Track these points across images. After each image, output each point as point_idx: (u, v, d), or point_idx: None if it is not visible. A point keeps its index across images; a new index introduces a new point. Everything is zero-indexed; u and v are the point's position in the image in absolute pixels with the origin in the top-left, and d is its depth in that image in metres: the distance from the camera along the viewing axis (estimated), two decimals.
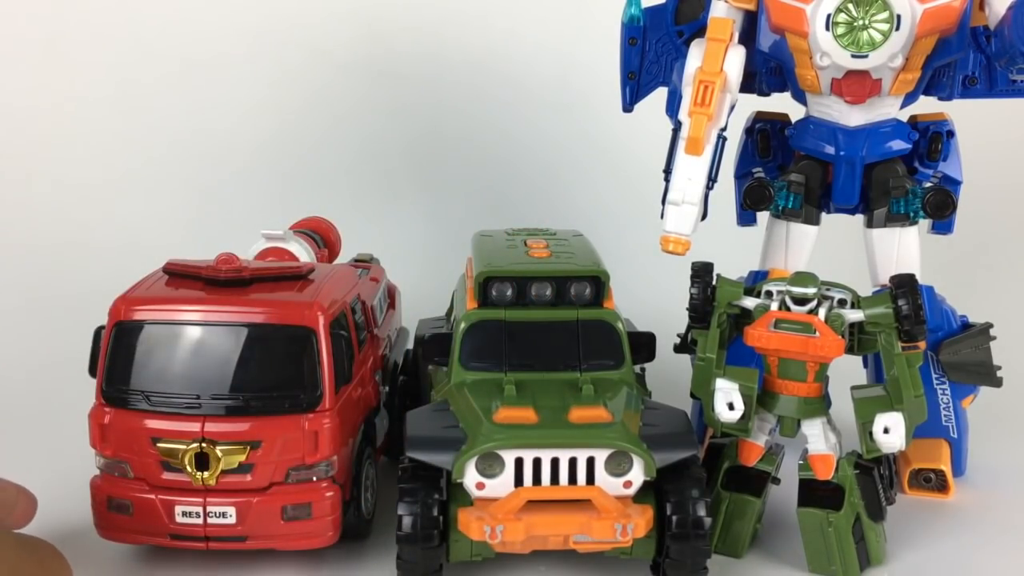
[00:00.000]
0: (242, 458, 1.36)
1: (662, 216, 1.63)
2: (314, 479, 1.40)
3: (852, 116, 1.63)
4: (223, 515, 1.37)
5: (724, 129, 1.63)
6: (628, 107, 1.80)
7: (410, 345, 1.94)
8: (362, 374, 1.56)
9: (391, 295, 1.95)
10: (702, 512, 1.33)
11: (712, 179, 1.62)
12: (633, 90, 1.78)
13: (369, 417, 1.59)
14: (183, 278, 1.48)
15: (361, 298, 1.63)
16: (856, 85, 1.58)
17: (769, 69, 1.71)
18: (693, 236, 1.61)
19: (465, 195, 2.85)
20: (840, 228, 1.79)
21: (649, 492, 1.36)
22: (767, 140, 1.77)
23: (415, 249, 2.67)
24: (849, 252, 1.79)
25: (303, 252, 1.77)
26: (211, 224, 2.73)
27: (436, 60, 2.83)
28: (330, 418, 1.40)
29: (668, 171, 1.65)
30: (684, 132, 1.60)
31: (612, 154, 2.78)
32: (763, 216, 1.77)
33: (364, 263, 1.90)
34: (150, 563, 1.49)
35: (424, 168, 2.86)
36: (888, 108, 1.63)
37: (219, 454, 1.36)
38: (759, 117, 1.79)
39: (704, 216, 1.65)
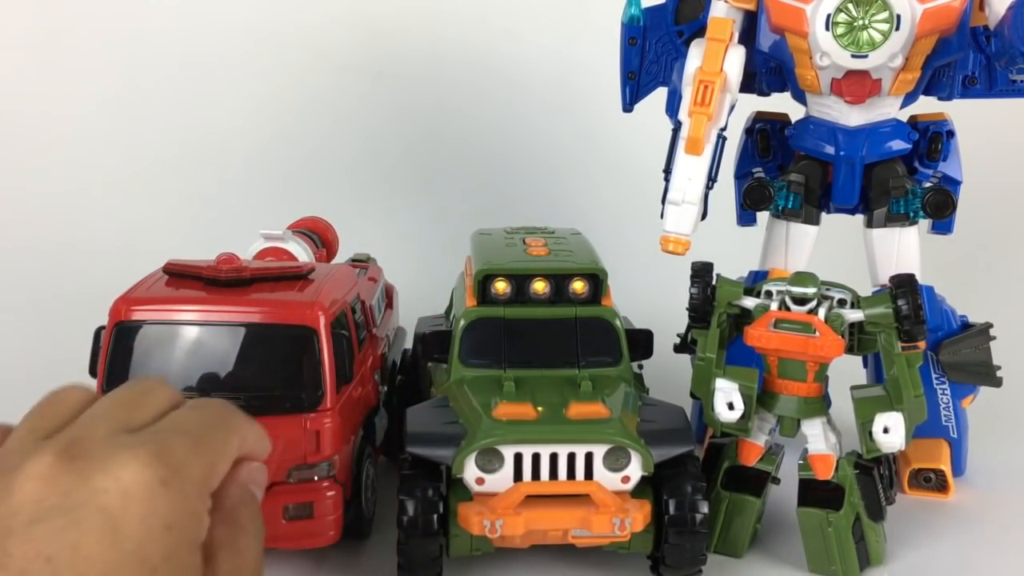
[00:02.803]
0: None
1: (662, 216, 1.63)
2: (316, 478, 1.39)
3: (852, 116, 1.63)
4: None
5: (724, 129, 1.63)
6: (628, 107, 1.80)
7: (410, 344, 1.94)
8: (362, 373, 1.56)
9: (388, 295, 1.93)
10: (699, 507, 1.34)
11: (712, 179, 1.62)
12: (633, 90, 1.78)
13: (369, 416, 1.59)
14: (183, 278, 1.48)
15: (361, 297, 1.63)
16: (856, 85, 1.58)
17: (769, 69, 1.71)
18: (693, 236, 1.61)
19: (464, 195, 2.85)
20: (840, 228, 1.79)
21: (647, 487, 1.37)
22: (767, 140, 1.77)
23: (414, 248, 2.67)
24: (849, 252, 1.79)
25: (302, 252, 1.77)
26: (211, 225, 2.73)
27: (435, 60, 2.83)
28: (331, 418, 1.39)
29: (668, 171, 1.65)
30: (684, 132, 1.60)
31: (612, 154, 2.78)
32: (763, 216, 1.77)
33: (361, 263, 1.90)
34: None
35: (423, 168, 2.86)
36: (888, 108, 1.63)
37: None
38: (759, 117, 1.79)
39: (704, 216, 1.65)
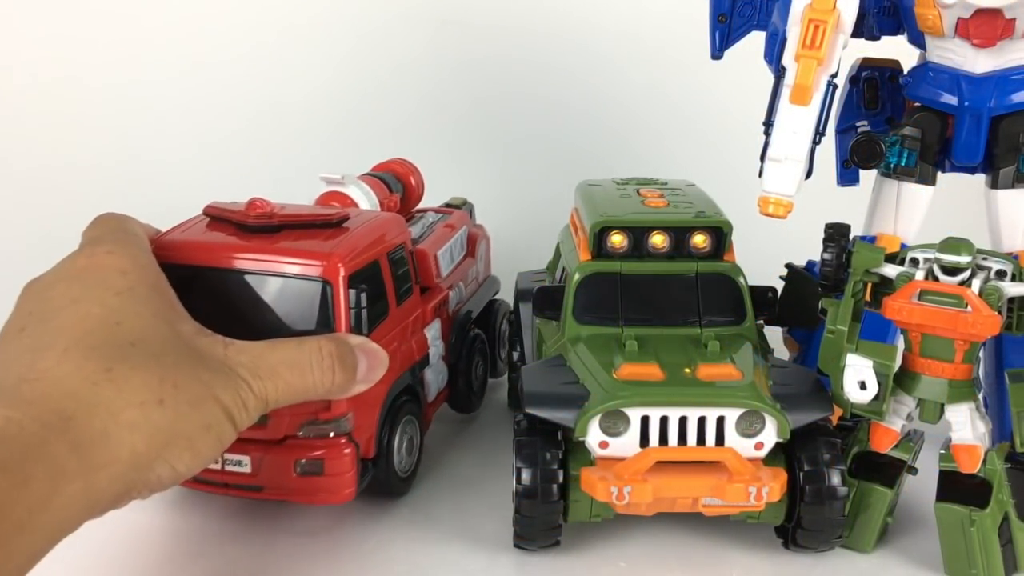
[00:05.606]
0: None
1: (760, 174, 1.48)
2: (331, 435, 1.34)
3: (979, 62, 1.47)
4: (239, 463, 1.35)
5: (835, 76, 1.47)
6: (717, 53, 1.67)
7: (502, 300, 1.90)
8: (403, 327, 1.49)
9: (472, 242, 1.85)
10: (836, 479, 1.29)
11: (820, 132, 1.47)
12: (724, 34, 1.65)
13: (411, 372, 1.52)
14: (220, 222, 1.45)
15: (408, 248, 1.55)
16: (986, 26, 1.42)
17: (882, 9, 1.55)
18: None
19: (536, 149, 2.73)
20: (955, 189, 1.62)
21: (778, 454, 1.31)
22: (875, 90, 1.63)
23: (488, 204, 2.55)
24: (966, 216, 1.63)
25: (363, 197, 1.68)
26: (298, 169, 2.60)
27: (502, 6, 2.70)
28: None
29: (769, 123, 1.50)
30: (789, 79, 1.46)
31: (698, 106, 2.64)
32: (867, 175, 1.62)
33: (453, 208, 1.84)
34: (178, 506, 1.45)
35: (493, 121, 2.75)
36: (1021, 53, 1.46)
37: None
38: (865, 64, 1.64)
39: (809, 174, 1.50)
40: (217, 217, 1.45)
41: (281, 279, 1.33)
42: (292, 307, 1.33)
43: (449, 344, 1.66)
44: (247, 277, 1.34)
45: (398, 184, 1.83)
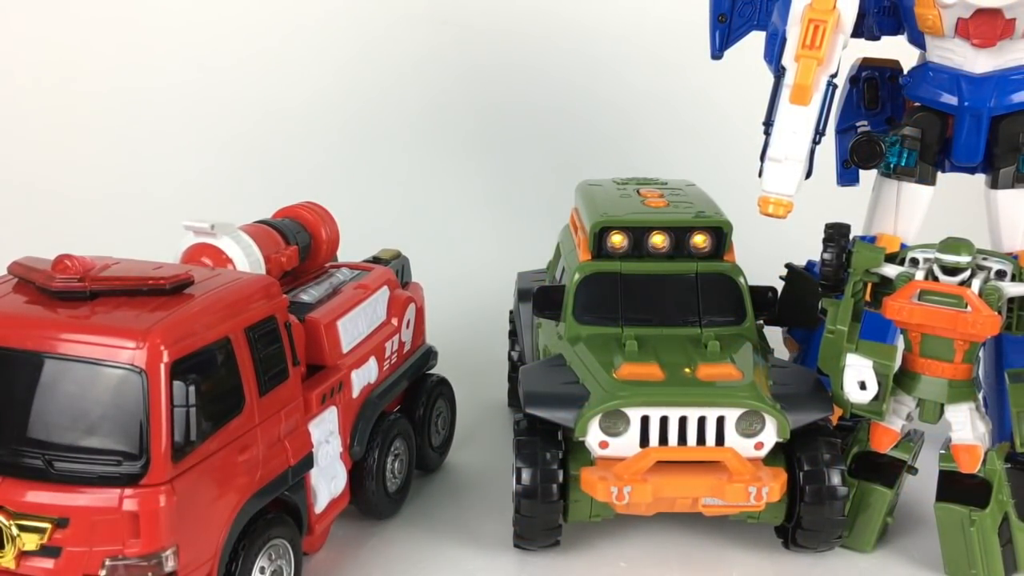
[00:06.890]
0: (42, 539, 1.03)
1: (760, 174, 1.48)
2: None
3: (979, 62, 1.47)
4: None
5: (835, 76, 1.47)
6: (717, 53, 1.66)
7: (498, 307, 1.85)
8: (269, 423, 1.18)
9: (396, 307, 1.53)
10: (836, 479, 1.28)
11: (820, 132, 1.47)
12: (724, 34, 1.65)
13: (280, 481, 1.20)
14: (26, 284, 1.15)
15: (282, 320, 1.22)
16: (986, 26, 1.42)
17: (882, 9, 1.55)
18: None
19: (533, 152, 2.72)
20: (955, 189, 1.62)
21: (779, 454, 1.31)
22: (875, 90, 1.62)
23: (482, 209, 2.56)
24: (966, 216, 1.63)
25: (239, 253, 1.35)
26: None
27: (503, 9, 2.70)
28: (164, 495, 1.03)
29: (769, 123, 1.49)
30: (789, 79, 1.45)
31: (698, 107, 2.64)
32: (867, 175, 1.62)
33: (380, 263, 1.61)
34: None
35: (491, 124, 2.74)
36: (1020, 53, 1.46)
37: (14, 530, 1.02)
38: (865, 64, 1.64)
39: (809, 174, 1.50)
40: (23, 278, 1.14)
41: (78, 365, 1.02)
42: (92, 406, 1.02)
43: (353, 436, 1.37)
44: (33, 362, 1.03)
45: (303, 234, 1.50)
